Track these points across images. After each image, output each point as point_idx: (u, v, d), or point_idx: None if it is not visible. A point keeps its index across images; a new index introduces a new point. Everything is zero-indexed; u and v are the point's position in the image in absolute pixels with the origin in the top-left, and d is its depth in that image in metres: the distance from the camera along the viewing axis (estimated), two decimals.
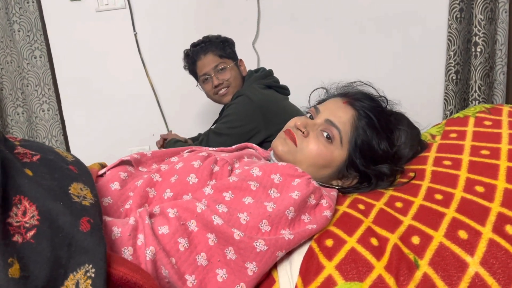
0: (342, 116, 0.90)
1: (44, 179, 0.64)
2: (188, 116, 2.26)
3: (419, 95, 2.19)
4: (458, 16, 2.06)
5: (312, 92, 1.05)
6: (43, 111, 2.34)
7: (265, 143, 1.61)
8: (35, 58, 2.27)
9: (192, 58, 1.71)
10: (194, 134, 2.03)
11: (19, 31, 2.24)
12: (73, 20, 2.19)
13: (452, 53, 2.10)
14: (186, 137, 1.92)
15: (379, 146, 0.89)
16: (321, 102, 1.01)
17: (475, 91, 2.10)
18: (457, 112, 2.16)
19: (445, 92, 2.17)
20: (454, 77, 2.12)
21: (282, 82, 1.80)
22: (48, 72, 2.29)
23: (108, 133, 2.32)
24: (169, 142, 1.73)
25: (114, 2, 2.16)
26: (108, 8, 2.16)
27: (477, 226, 0.70)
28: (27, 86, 2.31)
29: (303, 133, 0.91)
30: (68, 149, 2.41)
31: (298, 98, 1.80)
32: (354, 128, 0.89)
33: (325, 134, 0.89)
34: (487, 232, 0.69)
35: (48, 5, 2.19)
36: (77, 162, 0.78)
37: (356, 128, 0.89)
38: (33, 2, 2.21)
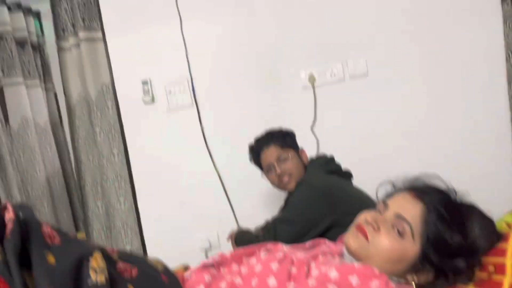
0: (411, 210, 0.93)
1: None
2: (254, 202, 2.35)
3: (488, 171, 2.13)
4: None
5: (378, 187, 1.08)
6: (119, 203, 2.53)
7: (332, 229, 1.63)
8: (113, 156, 2.51)
9: (256, 151, 1.83)
10: (260, 219, 2.08)
11: (100, 134, 2.50)
12: (147, 120, 2.43)
13: None
14: (252, 225, 1.98)
15: (452, 239, 0.89)
16: (389, 196, 1.04)
17: None
18: None
19: None
20: None
21: (344, 164, 1.84)
22: (124, 167, 2.51)
23: (180, 223, 2.44)
24: (238, 236, 1.80)
25: (182, 101, 2.38)
26: (177, 107, 2.39)
27: None
28: (106, 181, 2.53)
29: (373, 228, 0.93)
30: (142, 238, 2.54)
31: (362, 181, 1.84)
32: (424, 222, 0.91)
33: (396, 228, 0.91)
34: None
35: (125, 109, 2.46)
36: (167, 271, 0.86)
37: (427, 222, 0.90)
38: (112, 108, 2.49)
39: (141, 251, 2.52)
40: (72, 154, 2.73)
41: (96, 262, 0.70)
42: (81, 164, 2.60)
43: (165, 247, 2.46)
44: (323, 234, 1.59)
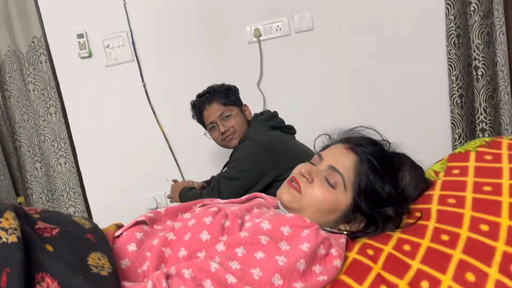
0: (344, 162, 0.93)
1: (64, 253, 0.68)
2: (200, 160, 2.32)
3: (425, 121, 2.22)
4: (456, 41, 2.10)
5: (315, 139, 1.08)
6: (60, 164, 2.42)
7: (275, 183, 1.64)
8: (50, 114, 2.37)
9: (198, 108, 1.78)
10: (207, 177, 2.07)
11: (34, 91, 2.35)
12: (84, 77, 2.29)
13: (454, 78, 2.14)
14: (200, 180, 1.96)
15: (383, 189, 0.91)
16: (324, 148, 1.05)
17: (481, 114, 2.12)
18: (465, 135, 2.18)
19: (452, 117, 2.19)
20: (458, 101, 2.15)
21: (288, 120, 1.84)
22: (63, 127, 2.38)
23: (124, 182, 2.38)
24: (184, 190, 1.77)
25: (122, 56, 2.26)
26: (117, 63, 2.27)
27: (484, 268, 0.71)
28: (44, 142, 2.40)
29: (307, 179, 0.94)
30: (85, 200, 2.47)
31: (305, 134, 1.85)
32: (356, 173, 0.92)
33: (329, 180, 0.92)
34: (493, 273, 0.70)
35: (60, 64, 2.30)
36: (95, 229, 0.82)
37: (359, 173, 0.92)
38: (46, 62, 2.32)
39: (85, 214, 2.45)
40: (4, 113, 2.55)
41: (7, 222, 0.65)
42: (15, 125, 2.44)
43: (110, 209, 2.40)
44: (266, 190, 1.61)
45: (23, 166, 2.49)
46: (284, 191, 0.96)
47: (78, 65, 2.28)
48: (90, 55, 2.27)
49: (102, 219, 0.96)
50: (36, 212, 0.80)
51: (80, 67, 2.29)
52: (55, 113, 2.38)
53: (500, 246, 0.74)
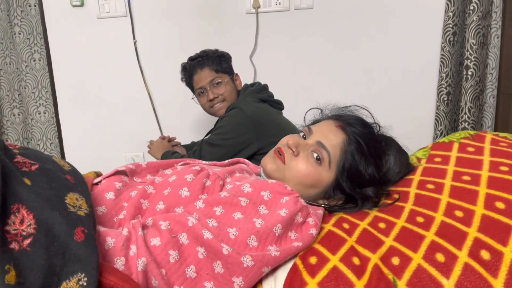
0: (333, 139, 0.94)
1: (42, 189, 0.67)
2: (183, 124, 2.30)
3: (411, 114, 2.25)
4: (451, 39, 2.12)
5: (307, 111, 1.08)
6: (39, 113, 2.36)
7: (257, 155, 1.64)
8: (34, 61, 2.30)
9: (189, 71, 1.75)
10: (188, 143, 2.06)
11: (19, 34, 2.26)
12: (74, 26, 2.22)
13: (444, 75, 2.16)
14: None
15: (366, 171, 0.92)
16: (315, 122, 1.05)
17: (465, 113, 2.16)
18: (447, 132, 2.22)
19: (436, 113, 2.22)
20: (445, 99, 2.18)
21: (277, 96, 1.83)
22: (46, 75, 2.32)
23: (103, 139, 2.34)
24: (165, 155, 1.75)
25: (115, 10, 2.20)
26: (109, 16, 2.20)
27: (454, 250, 0.73)
28: (25, 88, 2.33)
29: (293, 152, 0.94)
30: (62, 152, 2.43)
31: (293, 112, 1.85)
32: (343, 152, 0.92)
33: (315, 155, 0.92)
34: (463, 256, 0.72)
35: (50, 9, 2.23)
36: (74, 172, 0.81)
37: (345, 153, 0.92)
38: (35, 6, 2.24)
39: None
40: None
41: None
42: None
43: (86, 164, 2.36)
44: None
45: (0, 110, 2.42)
46: (269, 161, 0.96)
47: (68, 12, 2.21)
48: (82, 4, 2.19)
49: None
50: (16, 148, 0.78)
51: (70, 15, 2.21)
52: (39, 60, 2.30)
53: (472, 232, 0.76)
